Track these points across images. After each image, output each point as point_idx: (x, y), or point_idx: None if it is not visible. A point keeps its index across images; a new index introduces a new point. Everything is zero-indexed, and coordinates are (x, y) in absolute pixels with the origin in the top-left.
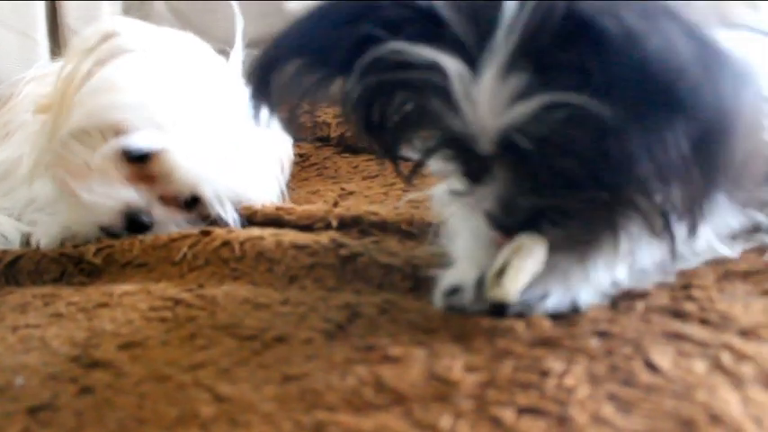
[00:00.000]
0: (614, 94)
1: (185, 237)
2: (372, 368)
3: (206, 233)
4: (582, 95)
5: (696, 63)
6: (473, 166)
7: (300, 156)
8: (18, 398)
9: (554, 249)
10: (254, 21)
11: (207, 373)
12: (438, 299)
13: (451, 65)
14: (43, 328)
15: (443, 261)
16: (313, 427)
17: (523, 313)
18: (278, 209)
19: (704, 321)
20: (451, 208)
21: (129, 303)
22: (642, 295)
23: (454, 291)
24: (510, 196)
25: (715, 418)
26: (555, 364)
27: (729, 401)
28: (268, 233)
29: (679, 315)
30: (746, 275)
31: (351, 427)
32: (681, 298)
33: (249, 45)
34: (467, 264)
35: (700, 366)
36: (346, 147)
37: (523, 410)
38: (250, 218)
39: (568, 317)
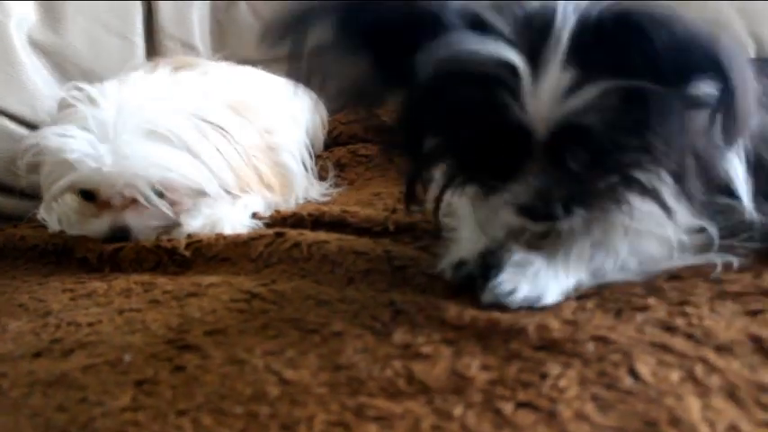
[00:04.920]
0: (654, 72)
1: (262, 236)
2: (406, 363)
3: (280, 234)
4: (629, 79)
5: (706, 36)
6: (506, 166)
7: (366, 157)
8: (127, 372)
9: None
10: None
11: (275, 359)
12: (447, 271)
13: (519, 62)
14: (144, 313)
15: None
16: (355, 409)
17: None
18: (343, 212)
19: (689, 336)
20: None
21: (213, 294)
22: (643, 308)
23: (460, 264)
24: (546, 188)
25: (675, 421)
26: (553, 367)
27: (691, 407)
28: (333, 237)
29: (669, 328)
30: (738, 296)
31: (384, 411)
32: (675, 313)
33: None
34: (469, 242)
35: (675, 376)
36: None
37: (521, 405)
38: (319, 218)
39: (576, 319)
